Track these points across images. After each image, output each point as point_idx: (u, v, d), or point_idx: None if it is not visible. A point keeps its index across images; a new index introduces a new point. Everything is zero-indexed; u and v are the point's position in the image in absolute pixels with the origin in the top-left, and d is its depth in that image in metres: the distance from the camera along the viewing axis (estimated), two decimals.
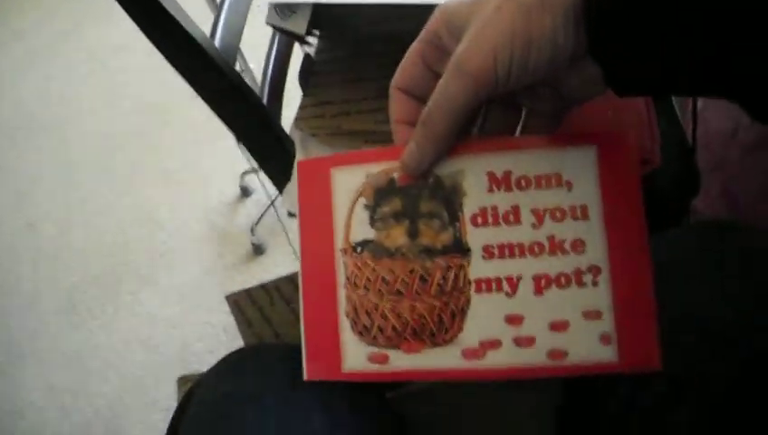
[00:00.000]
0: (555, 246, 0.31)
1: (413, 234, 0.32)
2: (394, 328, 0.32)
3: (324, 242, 0.33)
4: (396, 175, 0.32)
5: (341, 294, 0.33)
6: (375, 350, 0.32)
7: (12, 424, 1.38)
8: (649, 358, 0.30)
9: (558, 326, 0.30)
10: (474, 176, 0.32)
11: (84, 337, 1.47)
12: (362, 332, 0.32)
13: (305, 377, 0.33)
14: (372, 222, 0.32)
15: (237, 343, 1.30)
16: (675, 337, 0.35)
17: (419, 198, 0.32)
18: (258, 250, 1.45)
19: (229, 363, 0.43)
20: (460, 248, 0.31)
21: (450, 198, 0.32)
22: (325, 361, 0.33)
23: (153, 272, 1.54)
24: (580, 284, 0.30)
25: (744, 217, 0.91)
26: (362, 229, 0.33)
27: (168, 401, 1.26)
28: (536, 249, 0.31)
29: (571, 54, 0.27)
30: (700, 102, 0.83)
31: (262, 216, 1.47)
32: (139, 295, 1.50)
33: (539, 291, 0.31)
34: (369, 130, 0.57)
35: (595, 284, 0.30)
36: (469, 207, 0.32)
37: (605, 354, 0.30)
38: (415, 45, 0.32)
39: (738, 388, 0.32)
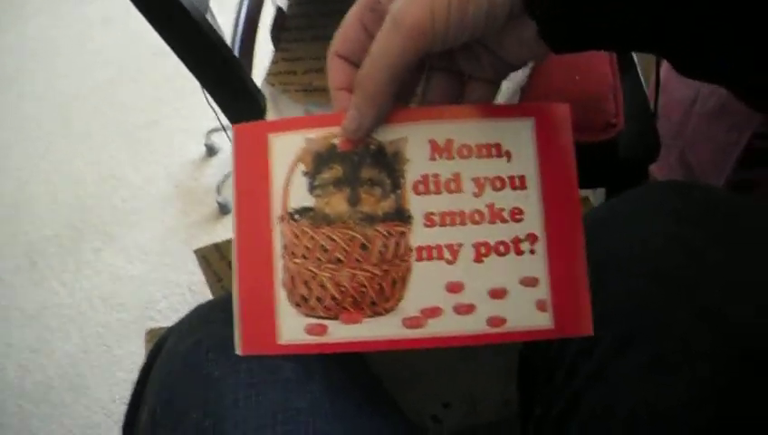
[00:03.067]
0: (495, 215, 0.31)
1: (354, 201, 0.31)
2: (333, 298, 0.32)
3: (261, 210, 0.32)
4: (336, 141, 0.32)
5: (278, 264, 0.32)
6: (313, 321, 0.32)
7: None
8: (583, 325, 0.31)
9: (497, 294, 0.31)
10: (416, 143, 0.32)
11: (45, 295, 1.45)
12: (299, 302, 0.32)
13: (239, 351, 0.32)
14: (311, 189, 0.32)
15: (203, 301, 1.30)
16: (626, 281, 0.36)
17: (361, 165, 0.32)
18: (224, 209, 1.44)
19: (198, 314, 0.43)
20: (402, 216, 0.31)
21: (392, 166, 0.31)
22: (260, 334, 0.32)
23: (116, 229, 1.51)
24: (519, 252, 0.31)
25: None
26: (301, 196, 0.32)
27: (132, 359, 1.26)
28: (477, 217, 0.31)
29: (509, 10, 0.28)
30: (663, 71, 0.85)
31: (228, 174, 1.46)
32: (101, 253, 1.48)
33: (479, 259, 0.31)
34: None
35: (532, 252, 0.31)
36: (411, 175, 0.32)
37: (541, 321, 0.31)
38: (354, 10, 0.32)
39: (693, 333, 0.33)
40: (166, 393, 0.37)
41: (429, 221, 0.31)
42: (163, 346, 0.42)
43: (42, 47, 2.11)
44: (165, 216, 1.50)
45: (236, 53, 0.71)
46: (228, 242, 0.61)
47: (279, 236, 0.32)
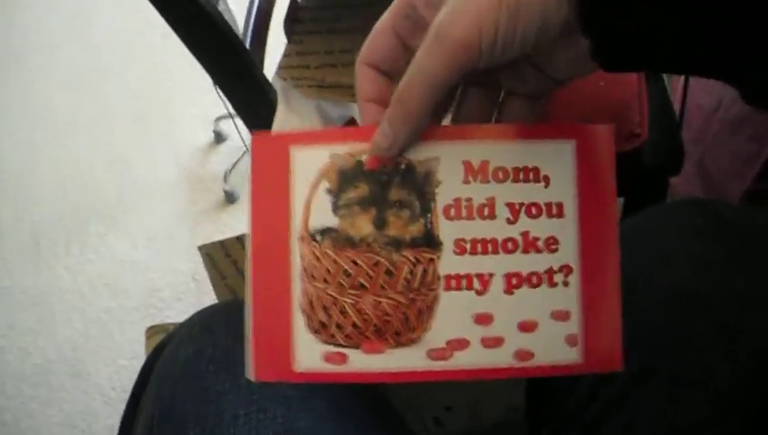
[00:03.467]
0: (529, 244, 0.30)
1: (380, 224, 0.29)
2: (354, 325, 0.30)
3: (279, 228, 0.30)
4: (363, 158, 0.29)
5: (296, 287, 0.30)
6: (332, 349, 0.30)
7: None
8: (613, 360, 0.30)
9: (526, 327, 0.30)
10: (449, 164, 0.29)
11: (48, 277, 1.44)
12: (318, 329, 0.30)
13: (251, 377, 0.30)
14: (335, 208, 0.29)
15: (206, 291, 1.29)
16: (648, 298, 0.36)
17: (389, 185, 0.29)
18: (230, 198, 1.42)
19: (201, 320, 0.42)
20: (431, 241, 0.30)
21: (422, 187, 0.29)
22: (275, 360, 0.30)
23: (121, 214, 1.50)
24: (552, 283, 0.30)
25: (715, 193, 0.93)
26: (323, 216, 0.29)
27: (132, 346, 1.25)
28: (509, 246, 0.30)
29: (561, 26, 0.26)
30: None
31: (236, 163, 1.44)
32: (106, 238, 1.47)
33: (509, 290, 0.30)
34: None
35: (566, 284, 0.30)
36: (443, 198, 0.29)
37: (570, 356, 0.30)
38: (386, 17, 0.30)
39: (711, 349, 0.33)
40: (164, 403, 0.36)
41: (460, 248, 0.30)
42: (163, 349, 0.41)
43: (50, 28, 2.10)
44: (171, 202, 1.49)
45: (248, 44, 0.69)
46: (234, 239, 0.60)
47: (298, 257, 0.30)
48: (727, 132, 0.89)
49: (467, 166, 0.30)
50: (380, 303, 0.30)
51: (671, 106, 0.63)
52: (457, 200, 0.30)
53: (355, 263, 0.30)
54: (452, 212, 0.30)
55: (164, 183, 1.53)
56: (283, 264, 0.30)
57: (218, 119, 1.55)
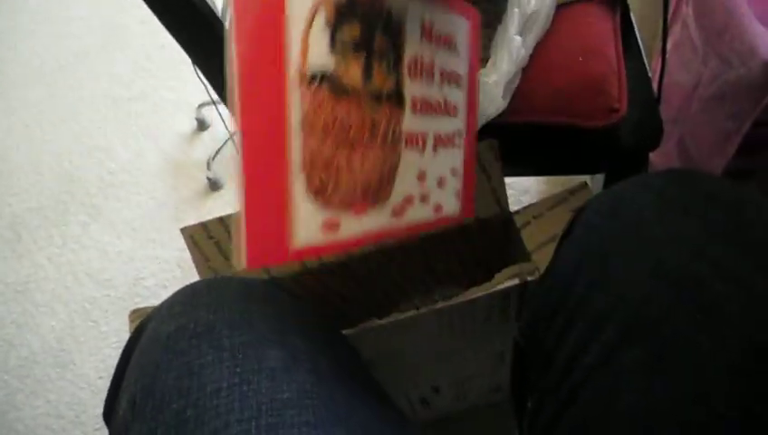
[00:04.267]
0: (447, 108, 0.31)
1: (368, 73, 0.27)
2: (347, 184, 0.27)
3: (272, 68, 0.24)
4: None
5: (295, 141, 0.25)
6: (329, 215, 0.26)
7: None
8: (471, 210, 0.34)
9: (441, 183, 0.32)
10: (412, 20, 0.28)
11: (30, 269, 1.42)
12: (318, 190, 0.26)
13: (243, 265, 0.26)
14: (332, 44, 0.26)
15: (192, 278, 1.28)
16: (629, 274, 0.35)
17: (375, 29, 0.27)
18: (214, 185, 1.41)
19: (182, 297, 0.42)
20: (400, 97, 0.28)
21: (395, 39, 0.28)
22: (271, 238, 0.25)
23: (103, 203, 1.48)
24: (454, 144, 0.32)
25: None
26: (321, 55, 0.25)
27: (118, 336, 1.24)
28: (439, 108, 0.31)
29: None
30: (667, 54, 0.83)
31: (219, 150, 1.43)
32: (88, 227, 1.45)
33: (436, 148, 0.31)
34: None
35: (459, 146, 0.32)
36: (407, 53, 0.28)
37: (456, 208, 0.33)
38: None
39: (693, 329, 0.32)
40: (146, 380, 0.36)
41: (414, 107, 0.29)
42: (145, 328, 0.41)
43: (26, 14, 2.05)
44: (154, 190, 1.47)
45: (227, 24, 0.68)
46: (216, 221, 0.59)
47: (297, 103, 0.25)
48: (707, 110, 0.90)
49: (423, 26, 0.29)
50: (367, 158, 0.27)
51: (650, 83, 0.64)
52: (414, 58, 0.29)
53: (349, 115, 0.26)
54: (411, 70, 0.29)
55: (146, 171, 1.52)
56: (279, 113, 0.25)
57: (201, 106, 1.53)
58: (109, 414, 0.41)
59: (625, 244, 0.37)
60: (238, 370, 0.34)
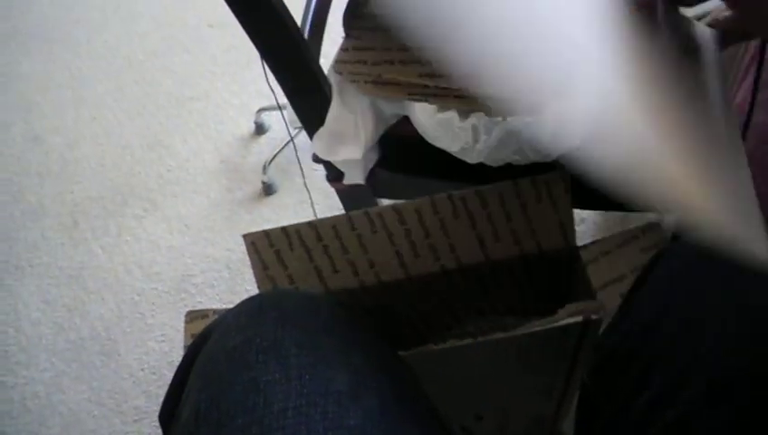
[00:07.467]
0: None
1: None
2: None
3: None
4: None
5: None
6: None
7: (6, 335, 1.38)
8: None
9: None
10: None
11: (85, 256, 1.46)
12: None
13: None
14: None
15: (239, 280, 1.30)
16: (720, 324, 0.34)
17: None
18: (268, 190, 1.43)
19: (248, 309, 0.42)
20: None
21: None
22: None
23: (159, 198, 1.52)
24: None
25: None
26: None
27: (163, 329, 1.26)
28: None
29: None
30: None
31: (276, 155, 1.45)
32: (143, 220, 1.49)
33: None
34: (412, 83, 0.54)
35: None
36: None
37: None
38: None
39: None
40: (211, 390, 0.36)
41: None
42: (207, 339, 0.41)
43: (99, 10, 2.14)
44: (209, 190, 1.50)
45: (306, 33, 0.68)
46: (278, 230, 0.59)
47: None
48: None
49: None
50: None
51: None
52: None
53: None
54: None
55: (203, 170, 1.55)
56: None
57: (260, 110, 1.55)
58: (167, 417, 0.41)
59: (713, 298, 0.35)
60: (305, 391, 0.34)
